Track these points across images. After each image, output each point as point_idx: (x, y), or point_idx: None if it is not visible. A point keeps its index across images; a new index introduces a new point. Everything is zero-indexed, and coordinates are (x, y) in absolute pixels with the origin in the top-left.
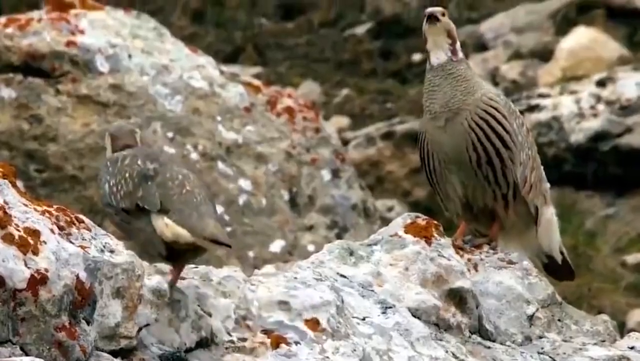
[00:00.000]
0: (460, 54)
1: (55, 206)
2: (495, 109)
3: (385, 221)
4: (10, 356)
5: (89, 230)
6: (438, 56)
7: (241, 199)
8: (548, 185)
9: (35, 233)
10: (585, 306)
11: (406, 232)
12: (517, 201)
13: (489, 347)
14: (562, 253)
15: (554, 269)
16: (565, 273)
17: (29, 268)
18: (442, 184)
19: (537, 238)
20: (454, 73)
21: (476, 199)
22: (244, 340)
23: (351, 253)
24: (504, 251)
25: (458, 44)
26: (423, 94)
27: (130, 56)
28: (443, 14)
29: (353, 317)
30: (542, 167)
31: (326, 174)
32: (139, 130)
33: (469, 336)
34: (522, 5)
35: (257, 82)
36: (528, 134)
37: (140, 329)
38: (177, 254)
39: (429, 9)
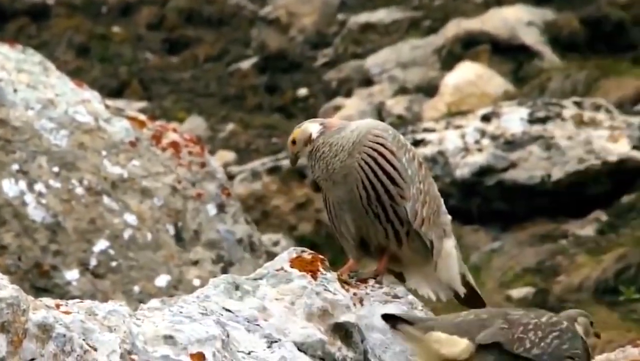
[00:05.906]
0: (335, 127)
1: None
2: (382, 145)
3: (271, 256)
4: None
5: None
6: (315, 136)
7: (126, 234)
8: (449, 217)
9: None
10: None
11: (292, 266)
12: (413, 236)
13: None
14: (468, 284)
15: (463, 300)
16: (476, 305)
17: None
18: (337, 224)
19: (436, 271)
20: (332, 142)
21: (371, 238)
22: None
23: (237, 288)
24: (390, 285)
25: (326, 123)
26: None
27: (15, 90)
28: (293, 142)
29: (239, 351)
30: (441, 198)
31: (212, 209)
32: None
33: None
34: (407, 40)
35: (142, 116)
36: (420, 167)
37: None
38: None
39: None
